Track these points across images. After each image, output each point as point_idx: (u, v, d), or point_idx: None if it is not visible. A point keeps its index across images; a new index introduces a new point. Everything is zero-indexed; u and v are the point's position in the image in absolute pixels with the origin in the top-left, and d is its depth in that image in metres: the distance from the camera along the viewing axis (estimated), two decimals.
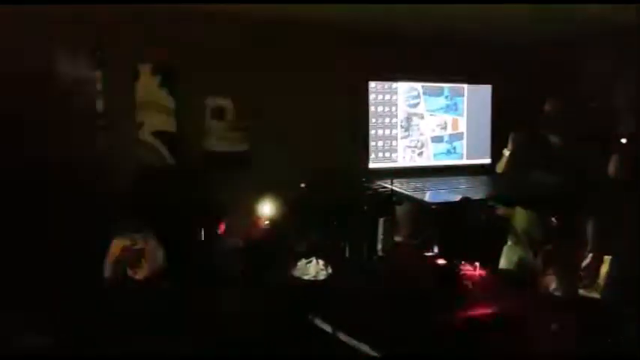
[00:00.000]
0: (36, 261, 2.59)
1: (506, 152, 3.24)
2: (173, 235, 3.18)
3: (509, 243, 3.45)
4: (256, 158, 3.64)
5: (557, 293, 2.42)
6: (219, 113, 3.82)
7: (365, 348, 1.70)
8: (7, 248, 2.54)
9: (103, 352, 2.27)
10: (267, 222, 3.26)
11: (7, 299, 2.41)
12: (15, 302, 2.42)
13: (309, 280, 2.92)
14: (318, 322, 1.96)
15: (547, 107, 3.24)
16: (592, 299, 2.77)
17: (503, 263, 3.41)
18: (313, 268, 2.99)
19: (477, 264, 1.99)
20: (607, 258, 3.43)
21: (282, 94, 3.59)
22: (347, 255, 1.99)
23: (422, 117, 1.98)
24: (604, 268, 3.36)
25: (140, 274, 2.93)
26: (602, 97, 3.49)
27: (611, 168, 3.01)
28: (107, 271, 2.89)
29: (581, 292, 3.40)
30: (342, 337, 1.78)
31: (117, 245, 2.94)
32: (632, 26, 3.73)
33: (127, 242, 2.96)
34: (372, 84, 1.91)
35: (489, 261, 2.49)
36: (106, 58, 3.26)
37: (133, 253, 2.96)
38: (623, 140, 2.91)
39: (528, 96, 3.24)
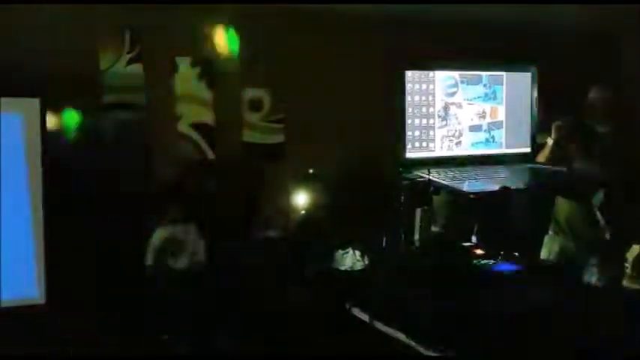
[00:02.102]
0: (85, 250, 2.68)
1: (550, 141, 3.17)
2: (213, 227, 3.24)
3: (550, 233, 3.39)
4: (292, 150, 3.67)
5: (599, 284, 2.36)
6: (255, 105, 3.86)
7: (401, 336, 1.69)
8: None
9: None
10: (303, 212, 3.28)
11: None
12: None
13: (345, 271, 2.93)
14: (356, 312, 1.96)
15: (591, 95, 3.16)
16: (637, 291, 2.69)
17: (544, 253, 3.35)
18: (350, 259, 3.00)
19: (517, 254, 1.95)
20: None
21: (319, 84, 3.60)
22: (384, 245, 1.99)
23: (460, 106, 1.96)
24: None
25: (180, 264, 3.00)
26: None
27: None
28: (149, 260, 2.96)
29: (626, 284, 3.32)
30: (380, 326, 1.79)
31: (159, 235, 3.01)
32: None
33: (168, 233, 3.03)
34: (408, 73, 1.90)
35: (530, 251, 2.45)
36: (146, 52, 3.34)
37: (173, 244, 3.03)
38: None
39: (571, 84, 3.16)
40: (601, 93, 3.15)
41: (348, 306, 2.03)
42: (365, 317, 1.88)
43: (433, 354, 1.57)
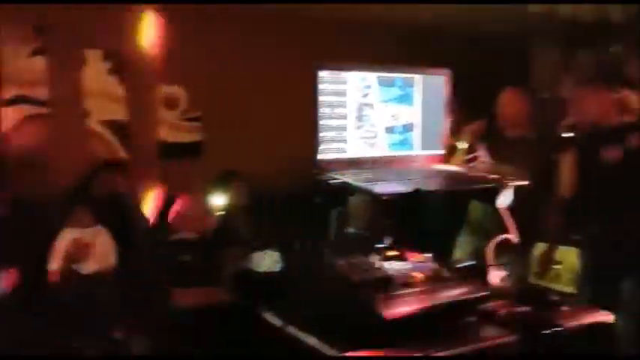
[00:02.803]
0: None
1: (463, 144, 3.26)
2: (126, 229, 3.10)
3: (463, 233, 3.49)
4: (208, 149, 3.57)
5: (506, 283, 2.44)
6: (171, 102, 3.73)
7: (315, 342, 1.67)
8: None
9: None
10: (220, 213, 3.20)
11: None
12: None
13: (263, 272, 2.87)
14: (271, 315, 1.92)
15: (500, 100, 3.27)
16: (544, 289, 2.81)
17: (457, 254, 3.44)
18: (268, 260, 2.94)
19: (429, 255, 1.97)
20: (566, 249, 3.51)
21: (235, 83, 3.53)
22: (298, 247, 1.95)
23: (374, 107, 1.95)
24: (572, 260, 3.42)
25: (87, 269, 2.84)
26: (552, 90, 3.54)
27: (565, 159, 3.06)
28: (52, 264, 2.78)
29: (532, 281, 3.47)
30: (294, 331, 1.75)
31: (64, 238, 2.84)
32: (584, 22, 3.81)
33: (74, 235, 2.86)
34: (322, 73, 1.86)
35: (443, 252, 2.50)
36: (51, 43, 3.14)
37: (80, 247, 2.86)
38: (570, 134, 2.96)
39: (484, 88, 3.26)
40: (511, 97, 3.27)
41: (261, 308, 1.98)
42: (278, 321, 1.84)
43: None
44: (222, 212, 3.15)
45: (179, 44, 3.42)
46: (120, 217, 3.10)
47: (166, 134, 3.63)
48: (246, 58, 3.43)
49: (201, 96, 3.53)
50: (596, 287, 2.87)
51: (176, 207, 3.15)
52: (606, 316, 1.91)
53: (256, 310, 2.00)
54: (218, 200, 3.14)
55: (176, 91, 3.62)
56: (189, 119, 3.69)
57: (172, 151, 3.64)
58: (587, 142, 2.93)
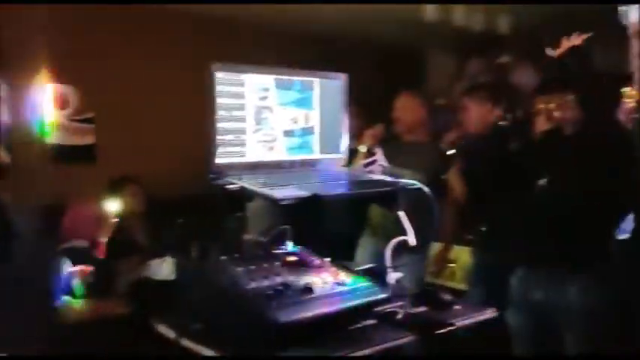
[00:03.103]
0: None
1: (362, 148, 3.33)
2: (8, 239, 2.87)
3: (364, 236, 3.56)
4: (102, 152, 3.39)
5: (405, 284, 2.50)
6: (61, 102, 3.50)
7: (210, 352, 1.62)
8: None
9: None
10: (115, 219, 3.05)
11: None
12: None
13: (160, 281, 2.77)
14: (164, 325, 1.84)
15: (397, 105, 3.38)
16: (439, 288, 2.92)
17: (359, 255, 3.50)
18: (166, 269, 2.84)
19: (328, 260, 1.97)
20: (460, 248, 3.67)
21: (129, 84, 3.38)
22: (195, 254, 1.88)
23: (272, 110, 1.92)
24: (465, 258, 3.58)
25: None
26: (447, 97, 3.70)
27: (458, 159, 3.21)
28: None
29: (429, 280, 3.60)
30: (187, 343, 1.69)
31: None
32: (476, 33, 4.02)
33: None
34: (219, 75, 1.81)
35: (344, 256, 2.52)
36: None
37: None
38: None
39: (383, 92, 3.35)
40: (407, 102, 3.38)
41: (155, 319, 1.89)
42: (171, 331, 1.76)
43: None
44: (117, 219, 3.00)
45: (69, 42, 3.22)
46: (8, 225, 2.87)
47: (57, 136, 3.40)
48: (141, 59, 3.29)
49: (94, 96, 3.34)
50: (486, 285, 3.03)
51: (68, 214, 2.98)
52: (494, 313, 1.99)
53: (151, 321, 1.91)
54: (112, 207, 2.98)
55: (66, 90, 3.40)
56: (82, 120, 3.49)
57: (63, 154, 3.42)
58: (472, 147, 3.09)
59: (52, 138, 3.42)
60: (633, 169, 2.34)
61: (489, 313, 1.98)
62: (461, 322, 1.90)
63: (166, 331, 1.77)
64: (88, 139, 3.49)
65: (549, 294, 2.60)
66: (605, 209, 2.40)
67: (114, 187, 3.18)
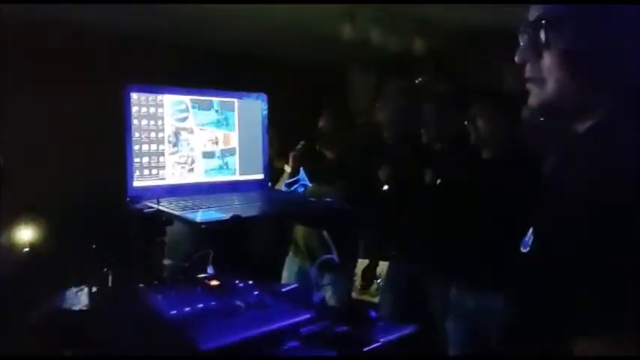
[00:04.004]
0: None
1: (287, 168, 3.33)
2: None
3: (290, 254, 3.55)
4: (6, 176, 3.19)
5: (330, 302, 2.51)
6: None
7: None
8: None
9: None
10: (25, 249, 2.88)
11: None
12: None
13: (79, 311, 2.64)
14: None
15: (319, 123, 3.41)
16: (364, 305, 2.95)
17: (285, 275, 3.49)
18: (85, 297, 2.71)
19: (252, 282, 1.94)
20: (383, 263, 3.73)
21: (38, 103, 3.20)
22: (111, 282, 1.80)
23: (191, 131, 1.89)
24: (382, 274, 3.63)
25: None
26: (369, 113, 3.77)
27: (381, 177, 3.27)
28: None
29: (355, 296, 3.63)
30: None
31: None
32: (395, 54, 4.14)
33: None
34: (134, 95, 1.76)
35: (268, 277, 2.50)
36: None
37: None
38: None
39: (304, 112, 3.37)
40: (327, 120, 3.43)
41: (70, 350, 1.79)
42: None
43: None
44: (26, 249, 2.82)
45: None
46: None
47: None
48: (50, 77, 3.13)
49: None
50: (408, 299, 3.09)
51: None
52: (411, 329, 2.03)
53: (66, 353, 1.81)
54: (20, 234, 2.81)
55: None
56: None
57: None
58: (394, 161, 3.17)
59: None
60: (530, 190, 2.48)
61: (411, 329, 2.01)
62: (384, 339, 1.92)
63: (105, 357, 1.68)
64: None
65: (478, 304, 2.73)
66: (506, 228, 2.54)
67: (22, 216, 2.99)
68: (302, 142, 3.34)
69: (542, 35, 1.16)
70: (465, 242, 2.76)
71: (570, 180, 1.14)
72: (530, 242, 1.28)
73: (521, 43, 1.21)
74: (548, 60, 1.17)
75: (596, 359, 0.95)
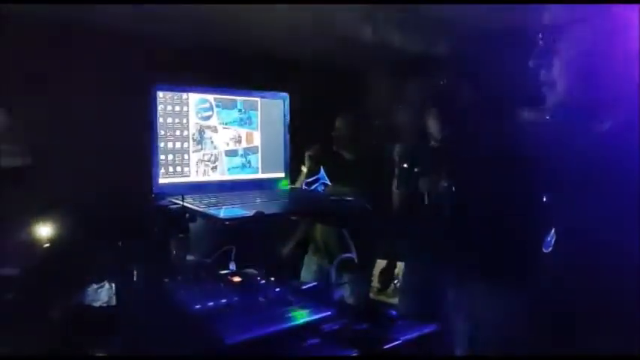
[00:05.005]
0: None
1: (304, 168, 3.36)
2: None
3: (309, 253, 3.57)
4: (33, 174, 3.25)
5: (349, 301, 2.52)
6: None
7: None
8: None
9: None
10: (47, 245, 2.93)
11: None
12: None
13: (98, 307, 2.68)
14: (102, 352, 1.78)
15: (337, 125, 3.43)
16: (383, 304, 2.96)
17: (304, 273, 3.51)
18: (105, 293, 2.75)
19: (273, 279, 1.97)
20: (400, 264, 3.73)
21: (65, 101, 3.26)
22: (136, 278, 1.83)
23: (215, 130, 1.91)
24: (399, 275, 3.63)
25: None
26: (386, 116, 3.78)
27: (394, 181, 3.28)
28: None
29: (373, 296, 3.64)
30: None
31: None
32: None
33: None
34: (160, 94, 1.79)
35: (288, 274, 2.52)
36: None
37: None
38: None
39: (322, 113, 3.40)
40: (345, 122, 3.44)
41: (95, 348, 1.82)
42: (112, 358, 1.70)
43: None
44: (49, 244, 2.87)
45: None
46: None
47: None
48: (76, 77, 3.19)
49: (25, 117, 3.21)
50: (423, 300, 3.09)
51: None
52: (431, 328, 2.04)
53: (89, 349, 1.84)
54: (44, 231, 2.86)
55: None
56: (11, 142, 3.34)
57: None
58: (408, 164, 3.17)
59: None
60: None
61: (432, 327, 2.02)
62: (404, 337, 1.93)
63: (106, 357, 1.71)
64: (17, 162, 3.34)
65: (487, 304, 2.71)
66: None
67: (46, 210, 3.05)
68: (321, 142, 3.37)
69: (554, 41, 1.17)
70: (482, 243, 2.75)
71: (589, 180, 1.15)
72: (552, 242, 1.28)
73: (536, 48, 1.23)
74: (559, 64, 1.19)
75: (596, 359, 0.95)
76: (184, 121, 1.89)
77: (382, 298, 3.74)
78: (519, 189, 2.64)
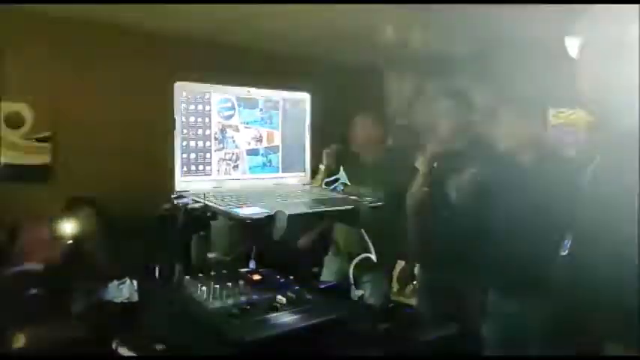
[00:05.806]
0: None
1: (322, 167, 3.36)
2: None
3: (329, 254, 3.57)
4: (58, 172, 3.30)
5: (368, 301, 2.51)
6: (15, 121, 3.40)
7: None
8: None
9: None
10: (70, 241, 2.97)
11: None
12: None
13: (120, 303, 2.71)
14: (125, 348, 1.80)
15: (356, 125, 3.43)
16: (402, 305, 2.95)
17: (325, 274, 3.51)
18: (127, 290, 2.78)
19: (293, 278, 1.97)
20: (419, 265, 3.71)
21: (89, 102, 3.32)
22: (157, 275, 1.85)
23: (237, 129, 1.93)
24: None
25: None
26: (406, 116, 3.77)
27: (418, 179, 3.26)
28: None
29: (394, 298, 3.63)
30: None
31: None
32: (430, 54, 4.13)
33: None
34: (183, 93, 1.81)
35: (309, 274, 2.52)
36: None
37: None
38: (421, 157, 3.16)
39: (341, 113, 3.39)
40: (364, 123, 3.44)
41: (115, 342, 1.84)
42: (133, 354, 1.72)
43: None
44: (73, 240, 2.92)
45: (24, 59, 3.14)
46: None
47: (9, 155, 3.30)
48: (100, 76, 3.24)
49: (50, 115, 3.26)
50: (441, 301, 3.07)
51: (21, 235, 2.88)
52: (450, 329, 2.03)
53: (111, 345, 1.86)
54: (68, 228, 2.91)
55: (21, 108, 3.31)
56: (37, 140, 3.40)
57: (16, 174, 3.32)
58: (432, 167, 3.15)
59: (4, 157, 3.32)
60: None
61: (451, 328, 2.01)
62: (423, 338, 1.92)
63: (128, 353, 1.73)
64: (43, 159, 3.40)
65: (514, 307, 2.70)
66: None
67: (69, 208, 3.10)
68: (341, 142, 3.37)
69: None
70: (500, 245, 2.73)
71: (610, 183, 1.14)
72: (569, 245, 1.27)
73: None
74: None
75: (596, 359, 0.94)
76: (207, 120, 1.91)
77: (401, 298, 3.72)
78: (540, 190, 2.61)
